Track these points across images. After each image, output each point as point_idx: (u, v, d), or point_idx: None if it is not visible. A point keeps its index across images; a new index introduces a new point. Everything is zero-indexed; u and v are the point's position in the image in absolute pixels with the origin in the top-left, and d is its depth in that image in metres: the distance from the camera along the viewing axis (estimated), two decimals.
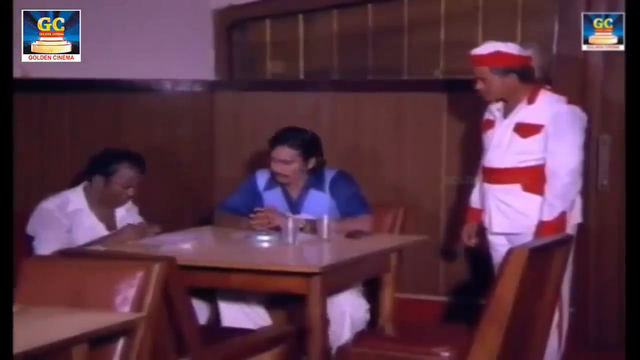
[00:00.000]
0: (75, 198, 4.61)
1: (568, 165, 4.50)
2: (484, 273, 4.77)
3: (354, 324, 4.64)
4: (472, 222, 4.83)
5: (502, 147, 4.61)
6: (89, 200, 4.62)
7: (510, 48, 4.58)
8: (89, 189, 4.64)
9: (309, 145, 4.84)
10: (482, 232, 4.80)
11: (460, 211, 5.03)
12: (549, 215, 4.49)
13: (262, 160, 5.09)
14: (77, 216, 4.57)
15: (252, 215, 4.77)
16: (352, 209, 4.80)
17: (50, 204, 4.54)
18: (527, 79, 4.59)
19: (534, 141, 4.53)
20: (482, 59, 4.57)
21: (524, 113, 4.58)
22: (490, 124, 4.70)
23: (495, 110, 4.68)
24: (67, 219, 4.53)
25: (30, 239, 4.48)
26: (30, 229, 4.50)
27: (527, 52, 4.64)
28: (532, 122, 4.55)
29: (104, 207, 4.66)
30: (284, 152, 4.80)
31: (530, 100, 4.58)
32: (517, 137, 4.57)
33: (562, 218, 4.49)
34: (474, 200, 4.84)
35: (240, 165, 5.86)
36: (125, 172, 4.58)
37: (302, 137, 4.85)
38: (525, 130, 4.56)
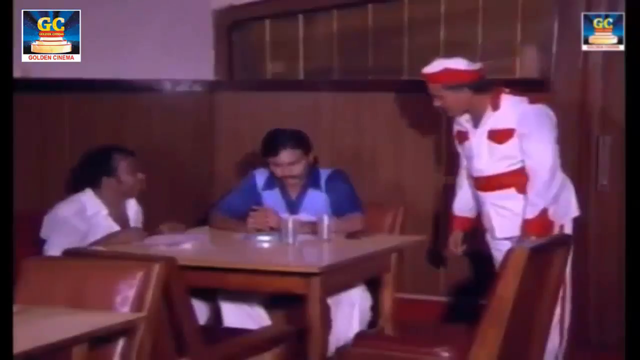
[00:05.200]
0: (90, 202, 4.61)
1: (546, 163, 4.53)
2: (484, 273, 4.77)
3: (362, 317, 4.66)
4: (458, 230, 4.87)
5: (484, 155, 4.63)
6: (104, 203, 4.64)
7: (458, 64, 4.59)
8: (100, 192, 4.64)
9: (303, 140, 4.84)
10: (468, 239, 4.82)
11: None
12: (531, 214, 4.53)
13: (262, 160, 5.08)
14: (95, 219, 4.59)
15: (251, 213, 4.78)
16: (344, 207, 4.79)
17: (66, 211, 4.52)
18: (482, 90, 4.60)
19: (512, 145, 4.57)
20: (434, 76, 4.59)
21: (493, 120, 4.60)
22: (464, 135, 4.72)
23: (464, 122, 4.70)
24: (86, 223, 4.53)
25: (42, 242, 4.48)
26: (44, 232, 4.51)
27: (476, 66, 4.64)
28: (503, 127, 4.57)
29: (116, 207, 4.68)
30: (290, 154, 4.78)
31: (495, 107, 4.60)
32: (494, 144, 4.59)
33: (544, 214, 4.54)
34: (458, 208, 4.87)
35: (240, 166, 5.85)
36: (124, 162, 4.64)
37: (293, 135, 4.84)
38: (499, 136, 4.58)
